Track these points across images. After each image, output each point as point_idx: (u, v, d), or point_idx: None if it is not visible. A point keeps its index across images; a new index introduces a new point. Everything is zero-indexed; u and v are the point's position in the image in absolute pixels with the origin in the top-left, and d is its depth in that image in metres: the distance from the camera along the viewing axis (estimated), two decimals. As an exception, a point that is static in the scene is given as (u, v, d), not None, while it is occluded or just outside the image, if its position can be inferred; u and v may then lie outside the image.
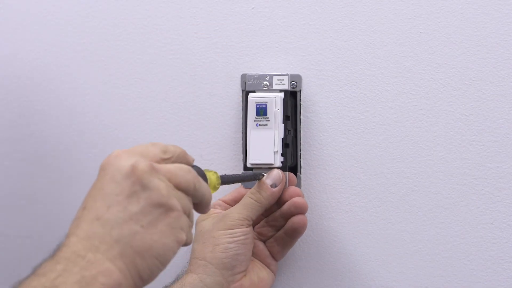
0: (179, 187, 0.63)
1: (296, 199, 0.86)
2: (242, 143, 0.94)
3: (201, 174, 0.71)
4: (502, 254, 0.84)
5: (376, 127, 0.88)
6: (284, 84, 0.89)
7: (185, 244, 0.65)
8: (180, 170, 0.64)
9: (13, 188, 1.12)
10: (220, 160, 0.97)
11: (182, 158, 0.67)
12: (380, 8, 0.86)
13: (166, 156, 0.65)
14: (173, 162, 0.65)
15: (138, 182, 0.60)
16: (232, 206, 0.88)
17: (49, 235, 1.09)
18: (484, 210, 0.84)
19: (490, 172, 0.84)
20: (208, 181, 0.73)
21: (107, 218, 0.59)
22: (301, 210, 0.86)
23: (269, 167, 0.89)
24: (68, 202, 1.08)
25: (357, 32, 0.87)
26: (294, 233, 0.87)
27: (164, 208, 0.61)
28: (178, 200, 0.62)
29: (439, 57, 0.84)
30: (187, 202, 0.64)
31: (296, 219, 0.86)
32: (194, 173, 0.66)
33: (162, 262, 0.61)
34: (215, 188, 0.75)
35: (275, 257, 0.90)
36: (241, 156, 0.95)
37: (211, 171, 0.75)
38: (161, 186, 0.61)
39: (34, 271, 0.58)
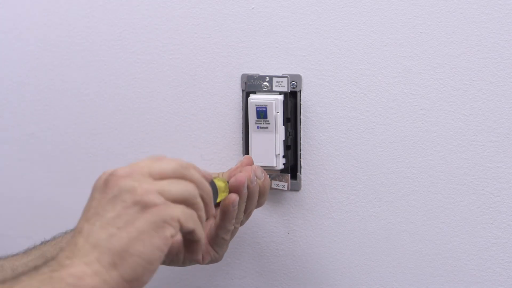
0: (162, 178, 0.63)
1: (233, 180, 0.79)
2: (242, 143, 0.94)
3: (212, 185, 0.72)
4: (502, 254, 0.84)
5: (376, 127, 0.88)
6: (284, 86, 0.89)
7: (192, 239, 0.64)
8: (163, 163, 0.64)
9: (13, 188, 1.12)
10: (220, 160, 0.97)
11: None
12: (380, 8, 0.86)
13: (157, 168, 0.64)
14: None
15: (111, 190, 0.61)
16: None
17: (49, 235, 1.09)
18: (484, 210, 0.84)
19: (490, 172, 0.84)
20: (218, 189, 0.75)
21: (86, 229, 0.60)
22: (235, 190, 0.79)
23: (272, 169, 0.89)
24: (68, 202, 1.08)
25: (357, 32, 0.87)
26: (223, 212, 0.79)
27: (140, 205, 0.60)
28: (161, 194, 0.61)
29: (439, 57, 0.84)
30: (178, 191, 0.63)
31: (227, 197, 0.78)
32: (182, 162, 0.65)
33: (147, 260, 0.59)
34: (222, 196, 0.77)
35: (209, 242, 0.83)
36: (241, 157, 0.95)
37: (220, 179, 0.77)
38: (135, 185, 0.61)
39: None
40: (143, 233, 0.60)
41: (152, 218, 0.60)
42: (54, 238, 0.89)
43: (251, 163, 0.86)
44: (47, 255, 0.87)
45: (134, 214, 0.60)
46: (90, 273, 0.57)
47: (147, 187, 0.61)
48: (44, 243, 0.90)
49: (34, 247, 0.90)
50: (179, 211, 0.62)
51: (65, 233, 0.89)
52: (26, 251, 0.89)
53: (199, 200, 0.65)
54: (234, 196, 0.78)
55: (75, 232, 0.61)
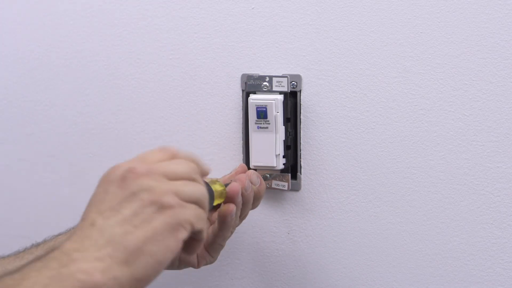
0: (177, 179, 0.64)
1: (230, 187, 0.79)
2: (242, 143, 0.94)
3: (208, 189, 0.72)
4: (502, 254, 0.84)
5: (376, 127, 0.88)
6: (284, 86, 0.89)
7: (196, 240, 0.65)
8: (177, 164, 0.65)
9: (13, 188, 1.12)
10: (220, 160, 0.97)
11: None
12: (380, 8, 0.86)
13: (167, 159, 0.65)
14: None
15: (129, 187, 0.61)
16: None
17: (49, 235, 1.09)
18: (484, 210, 0.84)
19: (490, 172, 0.84)
20: (215, 193, 0.74)
21: (100, 223, 0.59)
22: (230, 199, 0.78)
23: (272, 169, 0.89)
24: (68, 202, 1.08)
25: (357, 32, 0.87)
26: (221, 221, 0.79)
27: (157, 205, 0.61)
28: (177, 195, 0.62)
29: (439, 57, 0.84)
30: (192, 192, 0.64)
31: (224, 207, 0.79)
32: (192, 165, 0.66)
33: (158, 260, 0.60)
34: (220, 199, 0.77)
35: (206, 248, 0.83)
36: (241, 156, 0.95)
37: (216, 183, 0.76)
38: (153, 185, 0.61)
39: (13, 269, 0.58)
40: (158, 233, 0.60)
41: (168, 220, 0.61)
42: (44, 241, 0.89)
43: (245, 171, 0.87)
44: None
45: (151, 214, 0.60)
46: (101, 269, 0.57)
47: (165, 188, 0.62)
48: (35, 246, 0.89)
49: (25, 251, 0.89)
50: (192, 213, 0.63)
51: (57, 235, 0.88)
52: (18, 255, 0.88)
53: (207, 201, 0.66)
54: (231, 207, 0.78)
55: (86, 223, 0.60)
